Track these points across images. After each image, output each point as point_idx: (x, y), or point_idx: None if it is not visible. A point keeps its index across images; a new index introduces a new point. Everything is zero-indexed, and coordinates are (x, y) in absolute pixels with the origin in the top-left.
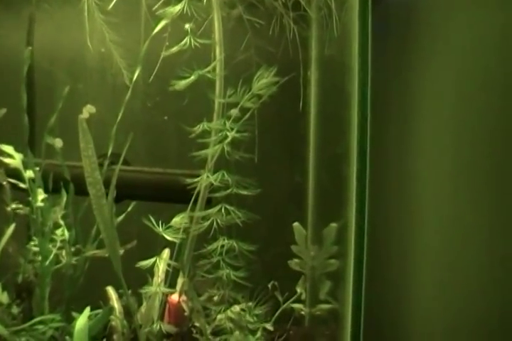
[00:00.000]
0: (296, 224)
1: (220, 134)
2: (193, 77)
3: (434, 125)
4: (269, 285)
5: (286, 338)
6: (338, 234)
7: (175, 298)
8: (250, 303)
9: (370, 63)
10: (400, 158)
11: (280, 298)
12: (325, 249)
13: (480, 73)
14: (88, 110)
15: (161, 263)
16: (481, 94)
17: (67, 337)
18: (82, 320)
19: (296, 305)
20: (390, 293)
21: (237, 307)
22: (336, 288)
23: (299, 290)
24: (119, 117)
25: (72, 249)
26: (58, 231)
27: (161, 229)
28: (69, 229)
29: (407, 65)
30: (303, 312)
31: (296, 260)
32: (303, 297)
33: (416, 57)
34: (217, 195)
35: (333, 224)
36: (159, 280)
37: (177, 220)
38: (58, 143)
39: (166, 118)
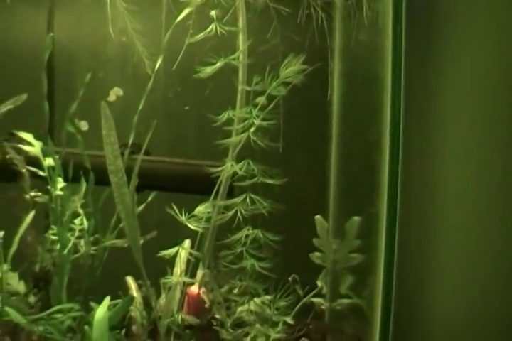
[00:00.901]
0: (318, 216)
1: (245, 122)
2: (219, 64)
3: (460, 116)
4: (290, 279)
5: (306, 332)
6: (361, 227)
7: (194, 289)
8: (271, 296)
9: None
10: (423, 150)
11: (300, 292)
12: (347, 242)
13: (508, 64)
14: (115, 92)
15: (183, 252)
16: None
17: (85, 327)
18: (101, 310)
19: (317, 299)
20: (411, 287)
21: (258, 300)
22: (357, 282)
23: (319, 284)
24: (141, 106)
25: (91, 239)
26: (77, 221)
27: (183, 218)
28: (88, 219)
29: (433, 55)
30: (323, 307)
31: (317, 253)
32: (324, 291)
33: (442, 47)
34: (242, 183)
35: (356, 218)
36: (180, 270)
37: (201, 209)
38: (84, 126)
39: (187, 108)
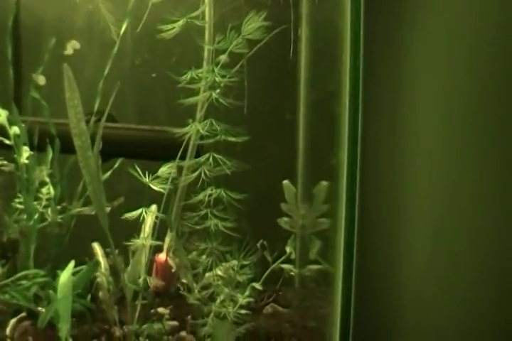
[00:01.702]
0: (285, 181)
1: (208, 80)
2: (180, 22)
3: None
4: (258, 244)
5: (275, 299)
6: (329, 192)
7: (162, 257)
8: (240, 260)
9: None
10: (390, 112)
11: (269, 258)
12: (315, 207)
13: (475, 42)
14: (72, 46)
15: (148, 216)
16: (473, 61)
17: (50, 292)
18: (65, 274)
19: (286, 266)
20: (381, 253)
21: (226, 265)
22: (326, 247)
23: (288, 249)
24: (106, 72)
25: (58, 207)
26: (44, 189)
27: (147, 180)
28: (54, 187)
29: (399, 30)
30: (292, 273)
31: (285, 218)
32: (292, 257)
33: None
34: (204, 142)
35: (324, 182)
36: (146, 234)
37: (164, 170)
38: (41, 80)
39: (154, 75)
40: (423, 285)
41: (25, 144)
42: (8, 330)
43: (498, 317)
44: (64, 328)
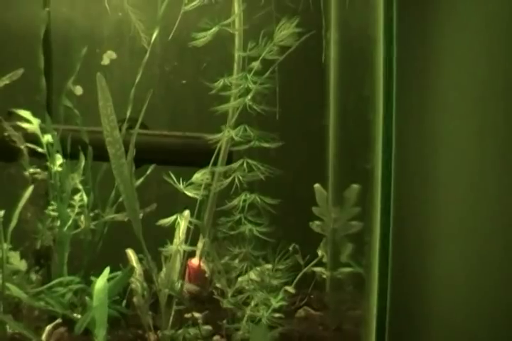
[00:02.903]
0: (317, 185)
1: (240, 87)
2: (212, 30)
3: (458, 81)
4: (290, 248)
5: (307, 302)
6: (360, 195)
7: (195, 262)
8: (274, 265)
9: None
10: (422, 116)
11: (301, 261)
12: (346, 210)
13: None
14: (109, 56)
15: (182, 222)
16: (505, 62)
17: (86, 298)
18: (101, 281)
19: (318, 269)
20: (415, 255)
21: (259, 269)
22: (358, 250)
23: (320, 253)
24: (137, 80)
25: (91, 214)
26: (77, 197)
27: (181, 186)
28: (87, 194)
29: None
30: (324, 276)
31: (317, 222)
32: (324, 260)
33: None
34: (237, 148)
35: (355, 185)
36: (180, 239)
37: (198, 176)
38: (78, 90)
39: (184, 82)
40: (455, 287)
41: (57, 152)
42: (44, 336)
43: None
44: (100, 334)
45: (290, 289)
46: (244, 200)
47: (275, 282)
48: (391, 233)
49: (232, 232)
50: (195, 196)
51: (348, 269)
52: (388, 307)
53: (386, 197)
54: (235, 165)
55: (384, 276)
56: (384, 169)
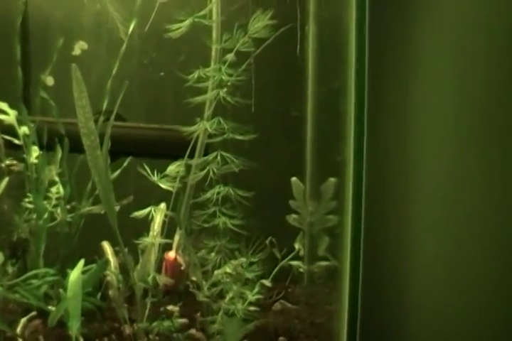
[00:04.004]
0: (294, 178)
1: (215, 79)
2: (187, 22)
3: (436, 76)
4: (267, 242)
5: (284, 295)
6: (337, 188)
7: (172, 255)
8: (248, 257)
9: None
10: (397, 109)
11: (278, 255)
12: (323, 204)
13: (484, 32)
14: (80, 46)
15: (157, 214)
16: (484, 51)
17: (60, 290)
18: (75, 273)
19: (295, 262)
20: (389, 249)
21: (234, 262)
22: (334, 244)
23: (297, 246)
24: (114, 72)
25: (68, 207)
26: (53, 189)
27: (156, 178)
28: (64, 187)
29: (407, 22)
30: (301, 270)
31: (294, 215)
32: (301, 253)
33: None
34: (212, 140)
35: (332, 179)
36: (155, 232)
37: (172, 168)
38: (49, 81)
39: (162, 74)
40: (430, 279)
41: (34, 144)
42: (19, 329)
43: (505, 309)
44: (74, 326)
45: (266, 282)
46: (218, 193)
47: (250, 275)
48: (363, 226)
49: (206, 225)
50: (170, 188)
51: (324, 263)
52: (361, 300)
53: (358, 190)
54: (209, 157)
55: (356, 269)
56: (355, 162)
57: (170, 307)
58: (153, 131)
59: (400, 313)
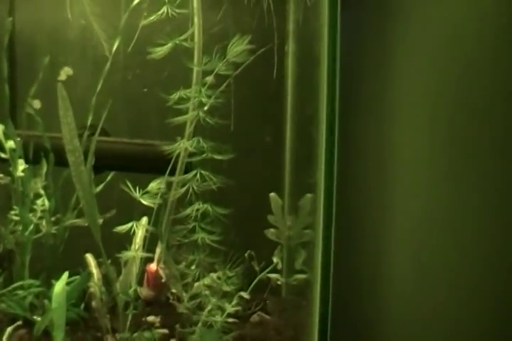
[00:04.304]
0: (272, 194)
1: (195, 100)
2: (169, 45)
3: (411, 85)
4: (246, 255)
5: (262, 307)
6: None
7: (153, 267)
8: (226, 271)
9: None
10: (375, 124)
11: (257, 268)
12: (301, 219)
13: (458, 43)
14: (66, 72)
15: (139, 228)
16: (457, 62)
17: (45, 301)
18: (60, 284)
19: (273, 275)
20: (364, 259)
21: (213, 275)
22: (311, 258)
23: (275, 260)
24: (99, 88)
25: (53, 219)
26: (39, 201)
27: (138, 194)
28: (49, 199)
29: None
30: (279, 282)
31: (272, 230)
32: (279, 267)
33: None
34: (192, 159)
35: (309, 195)
36: (137, 246)
37: (153, 185)
38: (36, 104)
39: (145, 90)
40: (405, 291)
41: (20, 157)
42: (4, 338)
43: (483, 316)
44: (58, 336)
45: (245, 295)
46: (198, 209)
47: (229, 288)
48: (333, 241)
49: (186, 240)
50: (151, 205)
51: (301, 276)
52: (330, 312)
53: (328, 203)
54: (189, 175)
55: (326, 282)
56: (326, 183)
57: (151, 318)
58: (136, 146)
59: (373, 325)
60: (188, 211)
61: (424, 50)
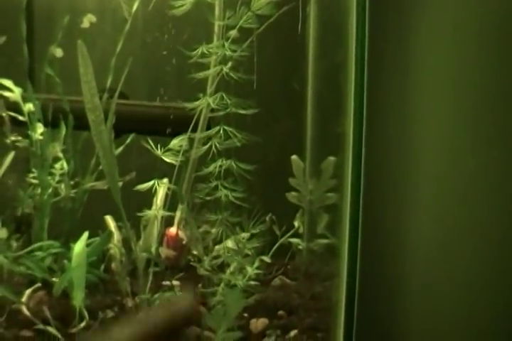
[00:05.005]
0: (294, 157)
1: (218, 54)
2: None
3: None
4: (267, 218)
5: (283, 272)
6: (336, 167)
7: (173, 230)
8: (249, 229)
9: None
10: (399, 87)
11: (278, 232)
12: (323, 182)
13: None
14: (89, 19)
15: (160, 188)
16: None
17: (65, 261)
18: (80, 244)
19: (294, 240)
20: (387, 229)
21: (235, 236)
22: (333, 222)
23: (296, 224)
24: (118, 49)
25: (71, 182)
26: (57, 165)
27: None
28: (68, 163)
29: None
30: (300, 247)
31: (294, 193)
32: (300, 231)
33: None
34: (215, 115)
35: (331, 158)
36: (158, 206)
37: (175, 142)
38: (58, 52)
39: (164, 53)
40: (427, 258)
41: (39, 121)
42: (23, 300)
43: (501, 308)
44: (78, 297)
45: (266, 258)
46: (221, 166)
47: (250, 249)
48: (362, 202)
49: (208, 198)
50: (173, 162)
51: (324, 240)
52: (358, 275)
53: (357, 168)
54: (212, 131)
55: (354, 244)
56: (355, 139)
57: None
58: (155, 108)
59: (398, 287)
60: (211, 168)
61: (453, 21)
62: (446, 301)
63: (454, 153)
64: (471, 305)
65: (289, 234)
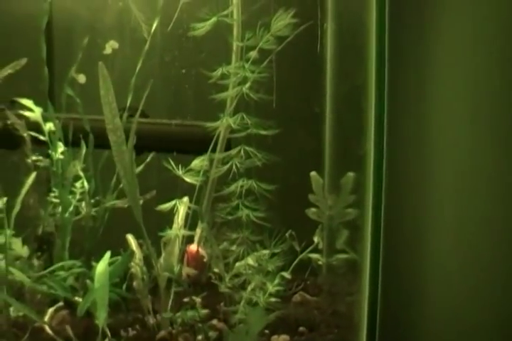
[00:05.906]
0: (313, 173)
1: (237, 76)
2: (212, 20)
3: (452, 72)
4: (287, 235)
5: (303, 287)
6: (356, 183)
7: (193, 247)
8: (271, 248)
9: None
10: (416, 106)
11: (298, 248)
12: (342, 198)
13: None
14: (111, 45)
15: (181, 207)
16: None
17: (87, 281)
18: (102, 264)
19: (314, 255)
20: (407, 242)
21: (256, 254)
22: (353, 237)
23: (316, 239)
24: (138, 69)
25: (92, 201)
26: (78, 184)
27: (180, 172)
28: (88, 181)
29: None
30: (320, 262)
31: (313, 209)
32: (320, 246)
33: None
34: (236, 135)
35: (350, 173)
36: (179, 225)
37: (197, 163)
38: (81, 78)
39: (183, 71)
40: (448, 271)
41: (59, 140)
42: (46, 319)
43: None
44: (101, 316)
45: (286, 275)
46: (242, 186)
47: (271, 267)
48: (383, 218)
49: (229, 217)
50: (194, 182)
51: (343, 255)
52: (380, 292)
53: (378, 183)
54: (233, 151)
55: (375, 261)
56: (376, 155)
57: (193, 298)
58: (175, 126)
59: (418, 303)
60: (233, 187)
61: (470, 33)
62: (470, 317)
63: (475, 169)
64: (494, 320)
65: (308, 250)
